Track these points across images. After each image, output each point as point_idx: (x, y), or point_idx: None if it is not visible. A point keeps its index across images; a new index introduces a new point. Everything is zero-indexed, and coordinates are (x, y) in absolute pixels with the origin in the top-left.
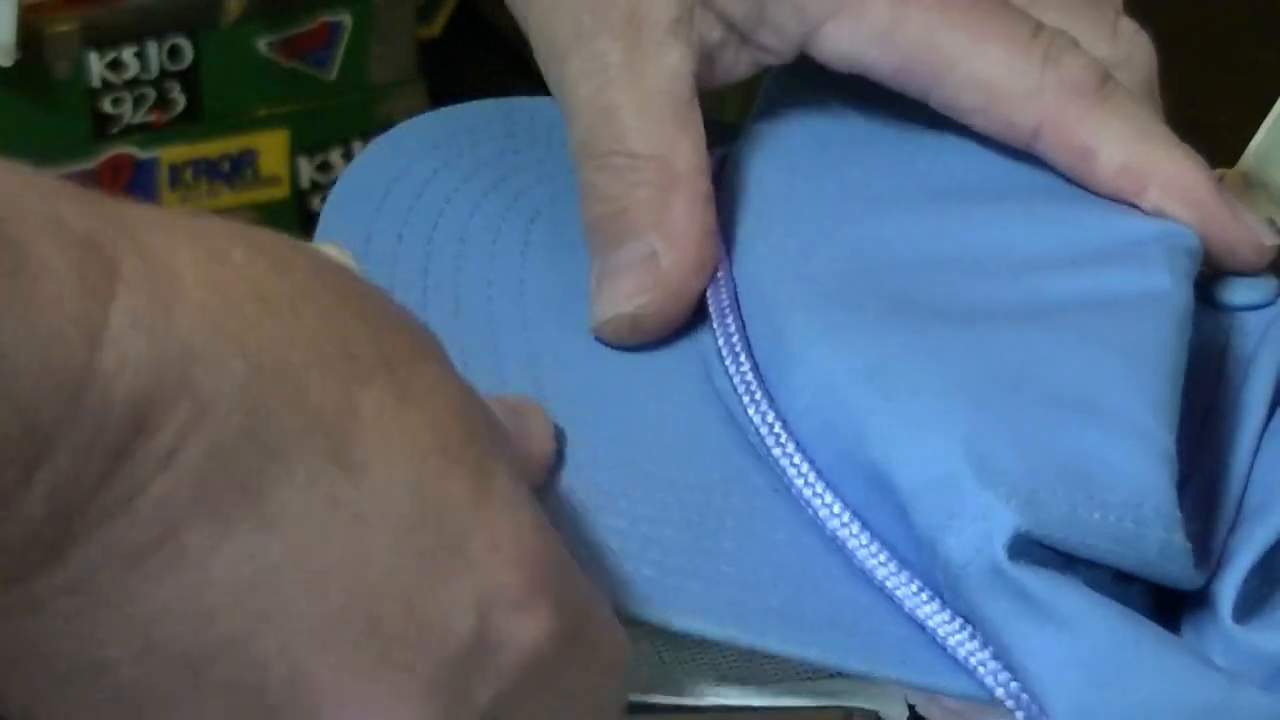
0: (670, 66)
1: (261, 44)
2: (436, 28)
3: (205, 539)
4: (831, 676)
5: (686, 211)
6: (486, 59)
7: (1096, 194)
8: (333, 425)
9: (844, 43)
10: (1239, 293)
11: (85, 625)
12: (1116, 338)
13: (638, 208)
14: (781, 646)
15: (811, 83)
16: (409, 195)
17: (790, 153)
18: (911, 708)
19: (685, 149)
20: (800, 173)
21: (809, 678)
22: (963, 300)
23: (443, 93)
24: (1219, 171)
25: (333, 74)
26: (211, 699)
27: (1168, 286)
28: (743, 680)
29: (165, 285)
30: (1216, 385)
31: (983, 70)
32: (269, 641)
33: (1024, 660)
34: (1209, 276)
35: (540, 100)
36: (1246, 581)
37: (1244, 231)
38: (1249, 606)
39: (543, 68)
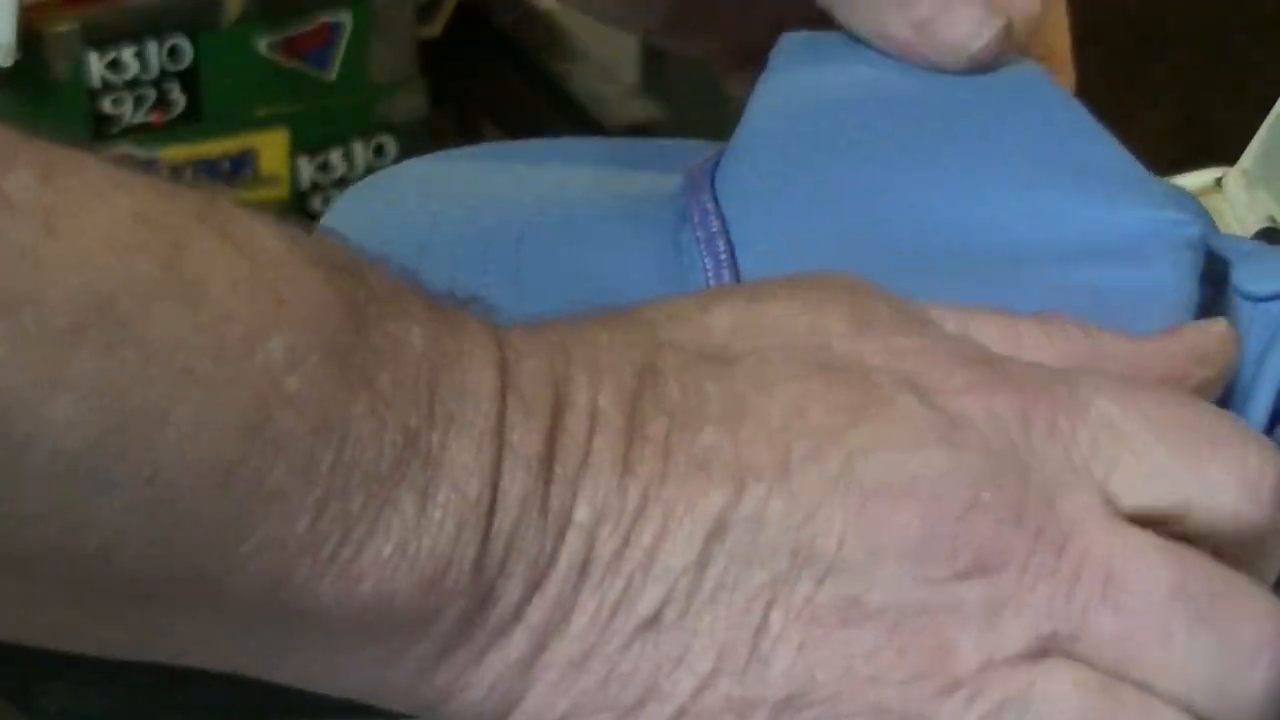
0: None
1: (261, 44)
2: (436, 28)
3: None
4: None
5: None
6: (486, 59)
7: None
8: None
9: None
10: (1261, 281)
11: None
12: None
13: None
14: None
15: (811, 77)
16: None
17: (788, 145)
18: None
19: None
20: (798, 165)
21: None
22: (961, 296)
23: (443, 93)
24: (1219, 171)
25: (333, 74)
26: None
27: (1168, 281)
28: None
29: None
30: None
31: None
32: None
33: None
34: (1230, 263)
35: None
36: None
37: None
38: None
39: None
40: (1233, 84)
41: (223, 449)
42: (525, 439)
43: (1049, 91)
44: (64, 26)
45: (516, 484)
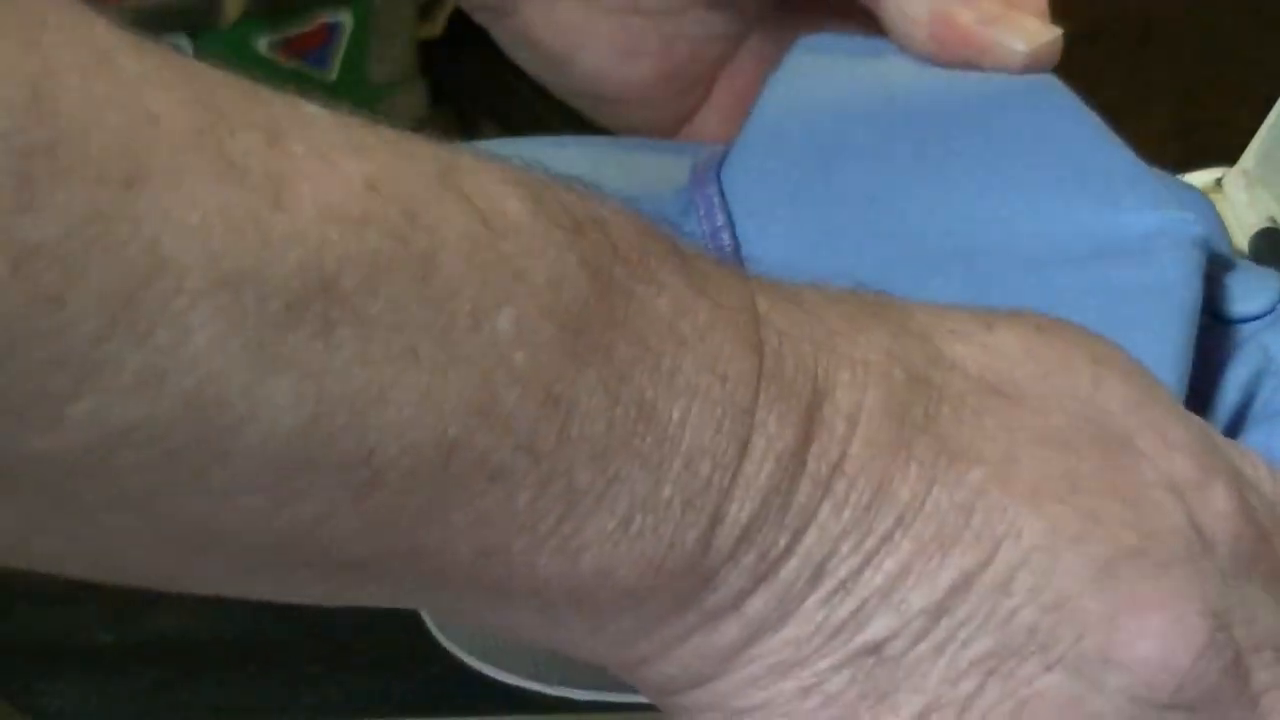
0: None
1: (261, 44)
2: (436, 28)
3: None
4: None
5: None
6: (486, 59)
7: None
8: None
9: None
10: (1238, 303)
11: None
12: (1121, 334)
13: None
14: None
15: (821, 76)
16: None
17: (796, 142)
18: None
19: None
20: (805, 162)
21: None
22: (965, 296)
23: (443, 93)
24: (1219, 171)
25: (333, 74)
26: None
27: (1173, 280)
28: None
29: None
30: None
31: None
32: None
33: None
34: (1210, 280)
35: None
36: None
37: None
38: None
39: None
40: (1233, 84)
41: (444, 429)
42: (779, 427)
43: (1055, 93)
44: None
45: (763, 474)
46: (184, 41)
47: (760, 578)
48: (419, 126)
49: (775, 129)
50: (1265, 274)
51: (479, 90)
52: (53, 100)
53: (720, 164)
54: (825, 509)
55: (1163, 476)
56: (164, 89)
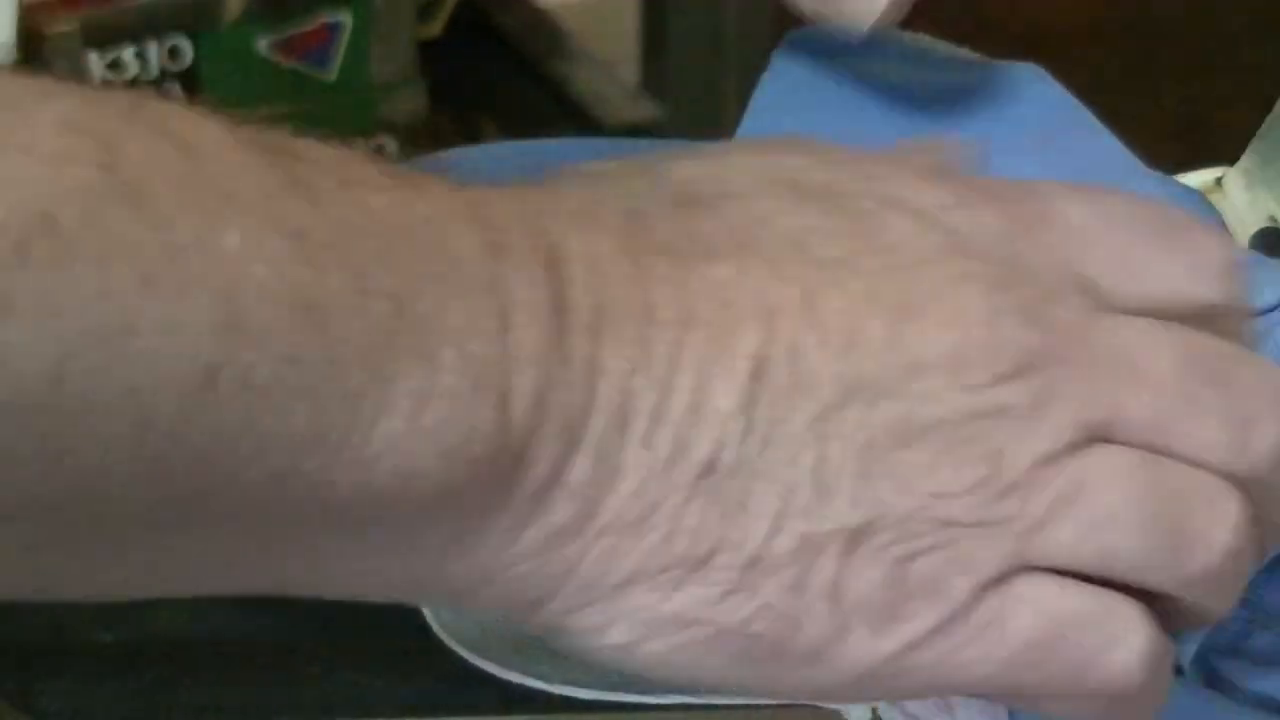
0: None
1: (261, 44)
2: (436, 28)
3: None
4: None
5: None
6: (486, 59)
7: None
8: None
9: None
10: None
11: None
12: None
13: None
14: None
15: (813, 74)
16: None
17: None
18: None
19: None
20: None
21: None
22: None
23: (443, 93)
24: (1219, 171)
25: (333, 74)
26: None
27: None
28: None
29: None
30: None
31: None
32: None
33: None
34: None
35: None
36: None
37: None
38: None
39: None
40: (1233, 84)
41: (200, 351)
42: (527, 291)
43: (1049, 90)
44: (64, 26)
45: (529, 337)
46: (184, 41)
47: (571, 443)
48: (419, 126)
49: (769, 128)
50: (1274, 264)
51: (479, 90)
52: None
53: None
54: (605, 354)
55: (878, 201)
56: None
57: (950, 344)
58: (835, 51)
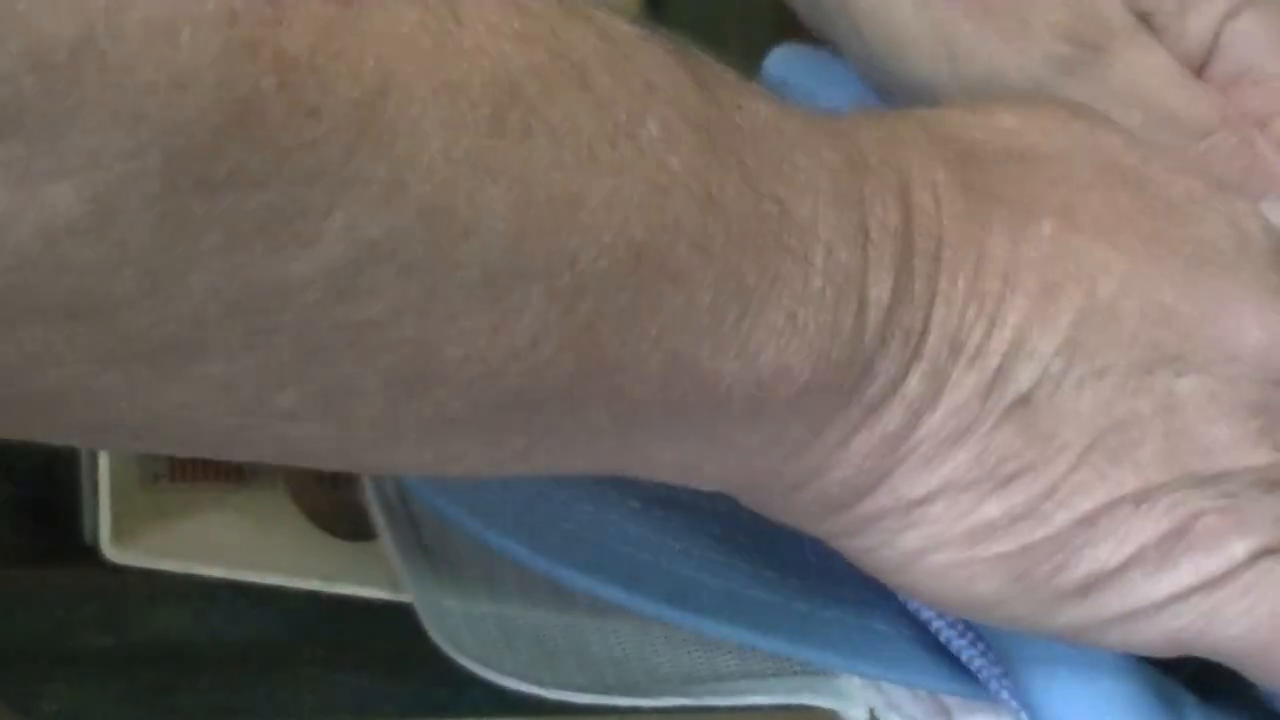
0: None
1: None
2: None
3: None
4: (795, 674)
5: None
6: None
7: None
8: None
9: None
10: None
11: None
12: None
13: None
14: (794, 650)
15: (800, 91)
16: None
17: None
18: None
19: None
20: None
21: (772, 674)
22: None
23: None
24: None
25: None
26: None
27: None
28: (703, 679)
29: None
30: None
31: None
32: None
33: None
34: None
35: None
36: None
37: None
38: None
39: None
40: None
41: (631, 231)
42: (884, 211)
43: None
44: None
45: (886, 254)
46: None
47: (909, 360)
48: None
49: None
50: None
51: None
52: None
53: None
54: (943, 281)
55: (1185, 193)
56: None
57: (1261, 340)
58: (822, 70)
